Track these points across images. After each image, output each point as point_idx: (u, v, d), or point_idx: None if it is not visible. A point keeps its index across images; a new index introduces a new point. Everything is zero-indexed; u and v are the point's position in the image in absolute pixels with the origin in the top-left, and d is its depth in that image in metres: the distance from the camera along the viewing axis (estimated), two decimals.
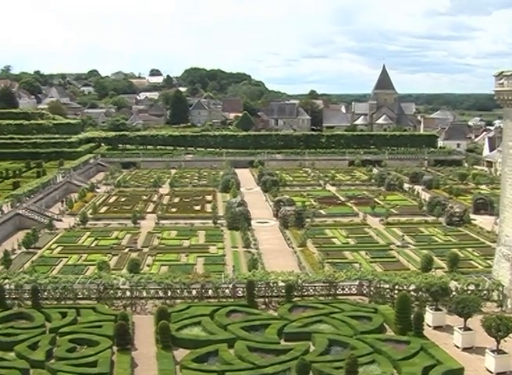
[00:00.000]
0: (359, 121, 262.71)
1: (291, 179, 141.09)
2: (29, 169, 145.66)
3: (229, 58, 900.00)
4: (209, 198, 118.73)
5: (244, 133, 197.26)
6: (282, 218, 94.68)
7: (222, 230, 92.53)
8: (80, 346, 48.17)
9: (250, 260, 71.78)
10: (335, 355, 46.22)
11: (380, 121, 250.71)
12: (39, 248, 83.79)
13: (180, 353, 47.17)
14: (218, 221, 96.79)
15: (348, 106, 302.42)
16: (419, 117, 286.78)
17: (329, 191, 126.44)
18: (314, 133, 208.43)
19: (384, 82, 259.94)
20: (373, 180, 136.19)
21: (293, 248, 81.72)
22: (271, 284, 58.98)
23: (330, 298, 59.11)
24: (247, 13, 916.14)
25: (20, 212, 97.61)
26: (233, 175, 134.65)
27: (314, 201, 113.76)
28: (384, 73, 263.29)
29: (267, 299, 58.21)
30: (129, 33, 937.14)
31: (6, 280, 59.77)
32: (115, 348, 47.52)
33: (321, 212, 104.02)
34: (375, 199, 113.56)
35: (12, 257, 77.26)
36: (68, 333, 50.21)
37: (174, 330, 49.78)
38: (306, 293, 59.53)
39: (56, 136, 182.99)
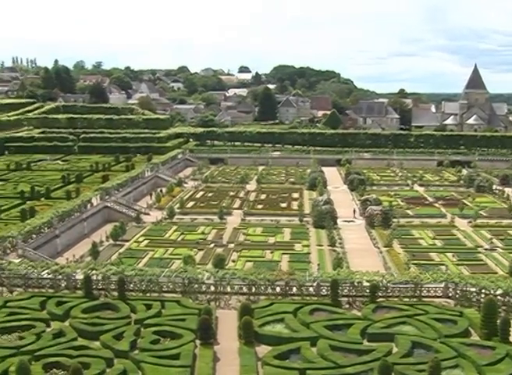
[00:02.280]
0: (449, 121, 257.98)
1: (378, 178, 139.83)
2: (118, 163, 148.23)
3: (318, 55, 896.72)
4: (296, 195, 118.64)
5: (332, 131, 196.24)
6: (368, 217, 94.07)
7: (307, 228, 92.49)
8: (163, 338, 48.91)
9: (335, 259, 71.65)
10: (418, 357, 45.72)
11: (470, 121, 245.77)
12: (126, 241, 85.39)
13: (262, 349, 47.37)
14: (304, 219, 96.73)
15: (438, 106, 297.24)
16: (511, 118, 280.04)
17: (417, 191, 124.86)
18: (402, 132, 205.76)
19: (475, 81, 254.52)
20: (462, 182, 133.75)
21: (378, 248, 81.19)
22: (355, 284, 58.62)
23: (415, 299, 58.36)
24: (336, 11, 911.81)
25: (109, 204, 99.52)
26: (320, 173, 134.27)
27: (402, 201, 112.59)
28: (475, 72, 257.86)
29: (351, 299, 57.88)
30: (218, 30, 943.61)
31: (94, 271, 61.06)
32: (197, 342, 48.05)
33: (408, 212, 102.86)
34: (464, 201, 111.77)
35: (100, 249, 79.09)
36: (152, 325, 51.10)
37: (257, 326, 50.01)
38: (390, 294, 58.92)
39: (145, 131, 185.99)
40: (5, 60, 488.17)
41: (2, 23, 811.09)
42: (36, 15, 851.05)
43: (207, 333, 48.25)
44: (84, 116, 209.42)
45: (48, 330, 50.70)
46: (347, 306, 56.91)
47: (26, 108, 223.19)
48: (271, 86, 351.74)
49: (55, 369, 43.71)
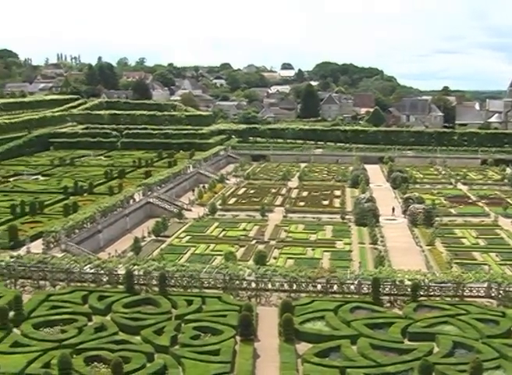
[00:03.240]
0: (493, 119, 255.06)
1: (421, 176, 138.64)
2: (160, 159, 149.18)
3: (361, 52, 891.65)
4: (338, 193, 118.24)
5: (375, 128, 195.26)
6: (410, 216, 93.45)
7: (349, 226, 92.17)
8: (203, 334, 49.02)
9: (377, 257, 71.35)
10: (459, 357, 45.19)
11: None
12: (168, 237, 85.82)
13: (302, 347, 47.27)
14: (346, 216, 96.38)
15: (482, 103, 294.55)
16: None
17: (460, 190, 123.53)
18: (446, 130, 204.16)
19: None
20: (506, 180, 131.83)
21: (420, 246, 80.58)
22: (397, 282, 58.15)
23: (457, 299, 57.71)
24: (380, 7, 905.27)
25: (151, 200, 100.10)
26: (363, 170, 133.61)
27: (444, 199, 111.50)
28: None
29: (392, 297, 57.44)
30: (261, 27, 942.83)
31: (135, 267, 61.41)
32: (238, 338, 48.10)
33: (451, 211, 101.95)
34: (508, 200, 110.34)
35: (142, 244, 79.60)
36: (193, 320, 51.23)
37: (297, 324, 49.93)
38: (432, 293, 58.35)
39: (188, 127, 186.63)
40: (49, 57, 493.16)
41: (48, 20, 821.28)
42: (80, 12, 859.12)
43: (247, 330, 48.28)
44: (127, 112, 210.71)
45: (90, 324, 51.16)
46: (388, 305, 56.50)
47: (70, 105, 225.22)
48: (313, 83, 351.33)
49: (96, 363, 44.06)
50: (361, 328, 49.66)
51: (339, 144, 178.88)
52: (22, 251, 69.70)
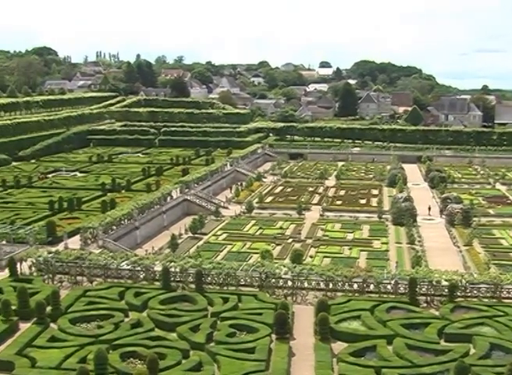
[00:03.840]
0: None
1: (459, 176, 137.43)
2: (198, 156, 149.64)
3: (400, 51, 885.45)
4: (375, 192, 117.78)
5: (413, 127, 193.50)
6: (448, 216, 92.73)
7: (386, 225, 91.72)
8: (239, 332, 49.07)
9: (414, 257, 70.86)
10: (496, 359, 44.75)
11: None
12: (205, 234, 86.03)
13: (338, 346, 47.17)
14: (383, 216, 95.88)
15: None
16: None
17: (499, 190, 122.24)
18: (485, 129, 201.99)
19: None
20: None
21: (458, 246, 79.94)
22: (434, 283, 57.74)
23: (494, 300, 57.19)
24: (419, 6, 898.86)
25: (188, 198, 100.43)
26: (400, 170, 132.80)
27: (483, 199, 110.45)
28: None
29: (429, 298, 57.09)
30: (300, 25, 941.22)
31: (172, 264, 61.62)
32: (273, 336, 48.05)
33: (490, 211, 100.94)
34: None
35: (179, 241, 79.83)
36: (229, 318, 51.38)
37: (333, 323, 49.83)
38: (469, 294, 57.86)
39: (226, 125, 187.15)
40: (88, 55, 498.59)
41: (87, 18, 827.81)
42: (119, 10, 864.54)
43: (283, 328, 48.23)
44: (165, 109, 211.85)
45: (126, 320, 51.51)
46: (425, 305, 56.16)
47: (109, 102, 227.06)
48: (351, 81, 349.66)
49: (131, 359, 44.40)
50: (397, 328, 49.40)
51: (376, 143, 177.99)
52: (60, 246, 70.36)
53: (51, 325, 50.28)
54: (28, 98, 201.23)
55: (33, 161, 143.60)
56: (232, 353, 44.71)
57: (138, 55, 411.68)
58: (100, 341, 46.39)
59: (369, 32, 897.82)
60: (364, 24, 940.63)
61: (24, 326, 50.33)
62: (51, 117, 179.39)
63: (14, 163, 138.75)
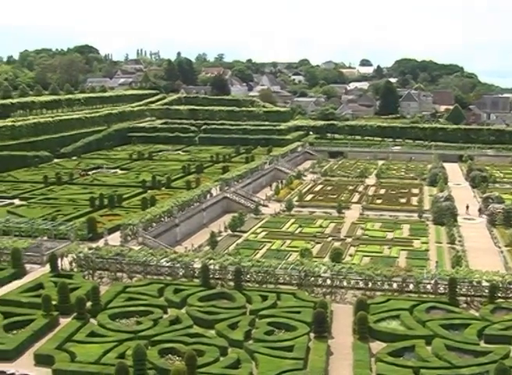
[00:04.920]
0: None
1: (501, 175, 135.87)
2: (238, 154, 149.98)
3: (442, 48, 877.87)
4: (415, 191, 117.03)
5: (454, 126, 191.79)
6: (489, 215, 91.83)
7: (426, 225, 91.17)
8: (277, 330, 49.03)
9: (454, 257, 70.34)
10: None
11: None
12: (244, 232, 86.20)
13: (376, 345, 46.89)
14: (424, 215, 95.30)
15: None
16: None
17: None
18: None
19: None
20: None
21: (499, 247, 79.21)
22: (474, 283, 57.16)
23: None
24: (462, 2, 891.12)
25: (228, 195, 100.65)
26: (441, 169, 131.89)
27: None
28: None
29: (469, 298, 56.49)
30: (341, 23, 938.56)
31: (211, 261, 61.73)
32: (311, 335, 47.92)
33: None
34: None
35: (218, 239, 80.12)
36: (267, 316, 51.27)
37: (372, 322, 49.56)
38: (510, 295, 57.13)
39: (266, 123, 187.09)
40: (129, 53, 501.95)
41: (128, 17, 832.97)
42: (160, 9, 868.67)
43: (321, 327, 48.09)
44: (206, 107, 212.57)
45: (165, 316, 51.70)
46: (465, 306, 55.55)
47: (149, 100, 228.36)
48: (392, 80, 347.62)
49: (170, 355, 44.56)
50: (437, 328, 48.95)
51: (417, 141, 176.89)
52: (100, 243, 70.84)
53: (91, 320, 50.69)
54: (70, 96, 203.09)
55: (74, 158, 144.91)
56: (270, 351, 44.62)
57: (179, 53, 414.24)
58: (139, 337, 46.62)
59: (410, 30, 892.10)
60: (405, 22, 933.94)
61: (64, 321, 50.78)
62: (93, 115, 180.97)
63: (56, 160, 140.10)
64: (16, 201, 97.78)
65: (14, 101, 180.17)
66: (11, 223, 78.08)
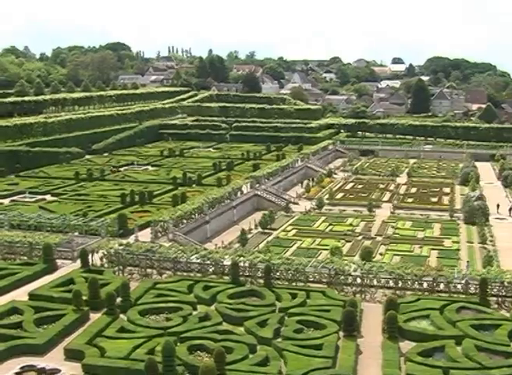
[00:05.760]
0: None
1: None
2: (269, 152, 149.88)
3: (474, 47, 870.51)
4: (447, 190, 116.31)
5: (487, 125, 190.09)
6: None
7: (458, 224, 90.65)
8: (307, 328, 48.95)
9: (486, 257, 69.84)
10: None
11: None
12: (274, 229, 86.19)
13: (406, 345, 46.64)
14: (455, 214, 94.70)
15: None
16: None
17: None
18: None
19: None
20: None
21: None
22: (506, 284, 56.62)
23: None
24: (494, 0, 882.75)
25: (259, 193, 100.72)
26: (473, 168, 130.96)
27: None
28: None
29: (500, 299, 55.99)
30: (372, 20, 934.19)
31: (241, 258, 61.76)
32: (341, 334, 47.77)
33: None
34: None
35: (249, 236, 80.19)
36: (296, 314, 51.22)
37: (402, 322, 49.29)
38: None
39: (297, 121, 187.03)
40: (161, 50, 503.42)
41: (160, 14, 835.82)
42: (191, 6, 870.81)
43: (351, 326, 47.94)
44: (237, 105, 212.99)
45: (195, 313, 51.81)
46: (496, 306, 55.13)
47: (181, 97, 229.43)
48: (424, 78, 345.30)
49: (199, 352, 44.64)
50: (467, 329, 48.56)
51: (449, 140, 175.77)
52: (130, 239, 71.29)
53: (121, 316, 50.95)
54: (102, 93, 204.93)
55: (105, 154, 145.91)
56: (299, 349, 44.55)
57: (210, 51, 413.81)
58: (168, 333, 46.77)
59: (443, 28, 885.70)
60: (438, 20, 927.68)
61: (94, 316, 51.12)
62: (124, 111, 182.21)
63: (87, 156, 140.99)
64: (48, 197, 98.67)
65: (46, 97, 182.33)
66: (43, 219, 78.76)
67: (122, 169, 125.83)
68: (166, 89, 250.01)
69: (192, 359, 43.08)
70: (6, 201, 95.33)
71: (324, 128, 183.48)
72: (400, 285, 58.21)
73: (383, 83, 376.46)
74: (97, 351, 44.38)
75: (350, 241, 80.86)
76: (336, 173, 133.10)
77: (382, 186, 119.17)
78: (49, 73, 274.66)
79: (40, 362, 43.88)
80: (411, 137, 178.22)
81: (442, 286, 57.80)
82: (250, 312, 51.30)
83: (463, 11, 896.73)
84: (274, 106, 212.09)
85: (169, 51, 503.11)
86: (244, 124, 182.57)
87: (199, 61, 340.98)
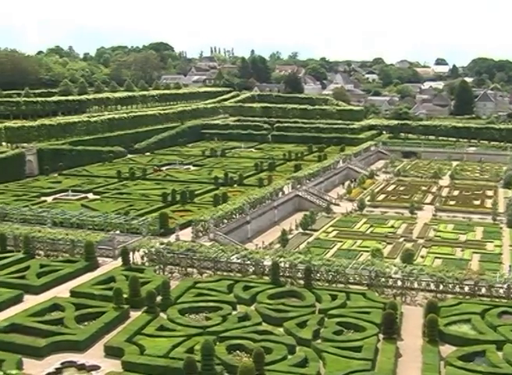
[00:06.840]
0: None
1: None
2: (310, 152, 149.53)
3: None
4: (490, 193, 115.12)
5: None
6: None
7: (500, 228, 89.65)
8: (346, 330, 48.77)
9: None
10: None
11: None
12: (315, 230, 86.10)
13: (446, 349, 46.21)
14: (498, 218, 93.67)
15: None
16: None
17: None
18: None
19: None
20: None
21: None
22: None
23: None
24: None
25: (300, 193, 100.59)
26: None
27: None
28: None
29: None
30: (415, 21, 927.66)
31: (282, 259, 61.69)
32: (380, 336, 47.53)
33: None
34: None
35: (289, 237, 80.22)
36: (336, 315, 51.03)
37: (442, 325, 48.85)
38: None
39: (339, 122, 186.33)
40: (204, 50, 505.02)
41: (203, 15, 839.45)
42: (234, 7, 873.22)
43: (391, 328, 47.66)
44: (279, 105, 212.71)
45: (234, 312, 51.91)
46: None
47: (223, 97, 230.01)
48: (468, 79, 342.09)
49: (238, 351, 44.71)
50: (508, 334, 47.94)
51: (493, 142, 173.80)
52: (171, 238, 71.61)
53: (161, 314, 51.23)
54: (144, 92, 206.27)
55: (147, 154, 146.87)
56: (338, 351, 44.39)
57: (252, 51, 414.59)
58: (207, 333, 46.91)
59: (487, 29, 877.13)
60: (482, 21, 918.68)
61: (135, 314, 51.46)
62: (166, 111, 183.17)
63: (129, 156, 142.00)
64: (90, 196, 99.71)
65: (90, 97, 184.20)
66: (85, 217, 79.58)
67: (164, 168, 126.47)
68: (208, 89, 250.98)
69: (231, 359, 43.16)
70: (49, 199, 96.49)
71: (366, 129, 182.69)
72: (440, 288, 57.66)
73: (426, 85, 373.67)
74: (137, 348, 44.69)
75: (391, 243, 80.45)
76: (377, 175, 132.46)
77: (424, 188, 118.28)
78: (93, 72, 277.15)
79: (80, 358, 44.34)
80: (454, 139, 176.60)
81: (483, 290, 57.17)
82: (289, 313, 51.24)
83: (508, 12, 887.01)
84: (316, 107, 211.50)
85: (212, 51, 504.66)
86: (286, 125, 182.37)
87: (241, 61, 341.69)
